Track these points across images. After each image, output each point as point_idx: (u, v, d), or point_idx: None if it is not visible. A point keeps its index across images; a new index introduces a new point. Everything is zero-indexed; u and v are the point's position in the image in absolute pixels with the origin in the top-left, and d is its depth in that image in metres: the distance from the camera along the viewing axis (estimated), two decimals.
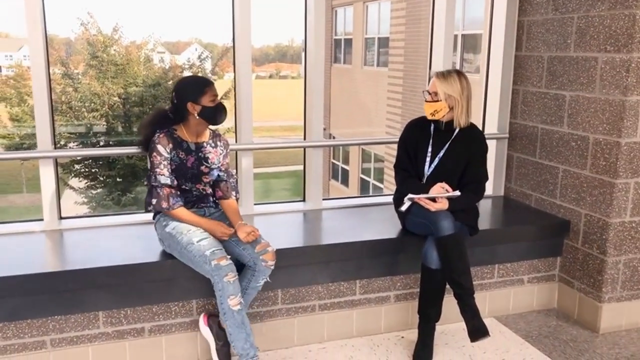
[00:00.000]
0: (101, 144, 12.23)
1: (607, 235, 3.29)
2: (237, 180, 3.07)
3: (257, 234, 2.78)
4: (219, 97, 2.87)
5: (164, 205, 2.74)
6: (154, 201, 2.75)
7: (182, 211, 2.77)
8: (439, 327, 3.14)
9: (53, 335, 2.77)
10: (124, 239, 3.15)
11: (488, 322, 3.38)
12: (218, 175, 2.94)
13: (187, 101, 2.79)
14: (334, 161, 17.04)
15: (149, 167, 2.79)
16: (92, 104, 11.93)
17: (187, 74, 13.17)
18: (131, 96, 12.14)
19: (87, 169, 12.25)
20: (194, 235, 2.70)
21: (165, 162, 2.76)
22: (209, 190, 2.95)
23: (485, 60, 4.18)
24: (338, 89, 16.52)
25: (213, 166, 2.90)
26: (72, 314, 2.77)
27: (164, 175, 2.74)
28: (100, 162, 11.99)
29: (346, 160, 16.30)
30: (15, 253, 2.95)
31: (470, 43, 10.99)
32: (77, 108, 11.95)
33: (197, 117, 2.80)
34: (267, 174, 18.63)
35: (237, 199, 3.01)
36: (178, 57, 16.85)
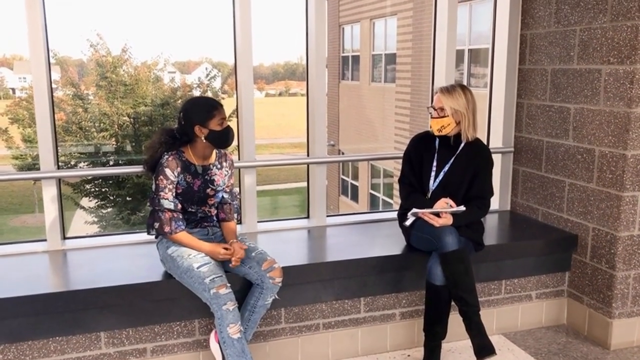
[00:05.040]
0: (111, 163, 12.31)
1: (615, 250, 3.23)
2: (240, 201, 3.05)
3: (241, 255, 2.75)
4: (227, 117, 2.84)
5: (167, 229, 2.72)
6: (156, 225, 2.74)
7: (183, 235, 2.75)
8: (445, 345, 3.10)
9: (54, 357, 2.75)
10: (127, 259, 3.14)
11: (496, 339, 3.33)
12: (222, 196, 2.93)
13: (195, 124, 2.74)
14: (344, 177, 17.02)
15: (153, 189, 2.77)
16: (102, 124, 12.04)
17: (196, 92, 13.27)
18: (140, 116, 12.23)
19: (97, 189, 12.31)
20: (194, 261, 2.68)
21: (170, 186, 2.73)
22: (214, 212, 2.94)
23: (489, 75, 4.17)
24: (347, 106, 16.55)
25: (218, 188, 2.89)
26: (73, 335, 2.76)
27: (168, 200, 2.72)
28: (110, 182, 12.04)
29: (355, 176, 16.28)
30: (17, 274, 2.95)
31: (480, 58, 10.98)
32: (87, 128, 12.06)
33: (204, 141, 2.77)
34: (277, 191, 18.64)
35: (238, 220, 3.00)
36: (188, 77, 16.98)
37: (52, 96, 3.26)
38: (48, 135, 3.20)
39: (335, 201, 17.01)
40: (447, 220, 2.96)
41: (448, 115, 3.05)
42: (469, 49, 11.01)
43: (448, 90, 3.08)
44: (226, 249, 2.75)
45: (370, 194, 15.29)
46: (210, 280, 2.60)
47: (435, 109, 3.09)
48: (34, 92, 3.17)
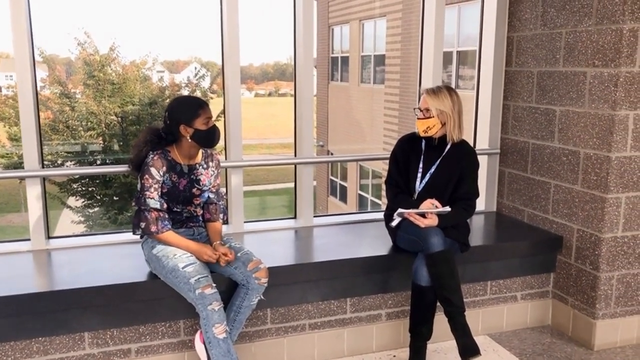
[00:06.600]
0: (98, 162, 12.23)
1: (599, 251, 3.26)
2: (226, 201, 3.04)
3: (230, 258, 2.75)
4: (214, 117, 2.82)
5: (153, 229, 2.70)
6: (142, 224, 2.72)
7: (170, 235, 2.74)
8: (430, 346, 3.11)
9: (37, 358, 2.73)
10: (112, 258, 3.12)
11: (481, 339, 3.35)
12: (208, 196, 2.92)
13: (180, 123, 2.73)
14: (332, 178, 17.03)
15: (138, 188, 2.75)
16: (89, 123, 11.95)
17: (184, 92, 13.21)
18: (128, 115, 12.16)
19: (84, 188, 12.21)
20: (180, 261, 2.66)
21: (156, 185, 2.72)
22: (199, 212, 2.93)
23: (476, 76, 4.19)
24: (336, 107, 16.57)
25: (204, 188, 2.88)
26: (56, 335, 2.74)
27: (154, 199, 2.71)
28: (97, 181, 11.95)
29: (344, 177, 16.29)
30: None
31: (468, 60, 11.03)
32: (74, 127, 11.97)
33: (190, 140, 2.76)
34: (267, 191, 18.62)
35: (224, 221, 2.99)
36: (177, 76, 16.91)
37: (37, 94, 3.22)
38: (32, 133, 3.17)
39: (324, 202, 17.01)
40: (433, 221, 2.97)
41: (434, 117, 3.06)
42: (457, 51, 11.06)
43: (434, 91, 3.10)
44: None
45: (359, 194, 15.31)
46: (195, 280, 2.59)
47: (421, 110, 3.11)
48: (18, 90, 3.13)
